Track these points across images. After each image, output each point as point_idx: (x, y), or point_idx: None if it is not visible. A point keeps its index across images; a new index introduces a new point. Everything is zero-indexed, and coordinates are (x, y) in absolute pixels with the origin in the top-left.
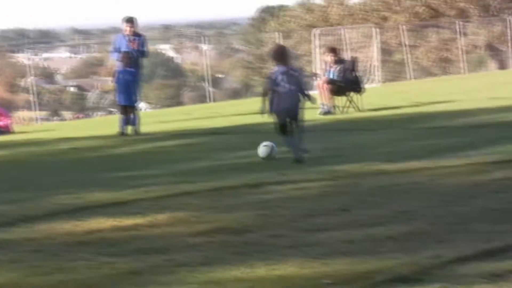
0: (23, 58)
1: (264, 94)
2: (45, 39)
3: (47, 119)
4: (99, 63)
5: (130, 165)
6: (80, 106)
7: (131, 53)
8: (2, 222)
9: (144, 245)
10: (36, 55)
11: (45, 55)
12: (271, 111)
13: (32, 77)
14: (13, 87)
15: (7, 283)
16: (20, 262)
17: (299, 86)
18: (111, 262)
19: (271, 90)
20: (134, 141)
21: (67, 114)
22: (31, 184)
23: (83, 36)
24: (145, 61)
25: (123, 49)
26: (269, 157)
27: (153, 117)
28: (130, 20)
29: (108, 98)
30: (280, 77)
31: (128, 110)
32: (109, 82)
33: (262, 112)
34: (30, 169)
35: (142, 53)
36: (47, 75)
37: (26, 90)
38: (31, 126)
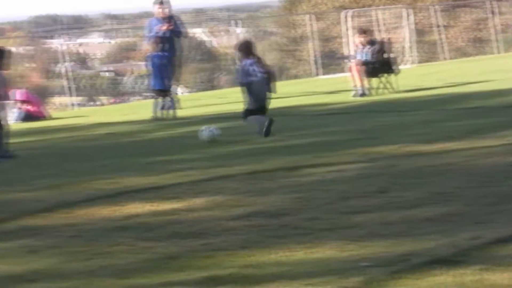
0: (57, 44)
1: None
2: (78, 24)
3: (83, 105)
4: (133, 47)
5: (166, 149)
6: (116, 91)
7: (162, 37)
8: (41, 208)
9: (181, 229)
10: (70, 40)
11: (79, 40)
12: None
13: (67, 63)
14: (48, 73)
15: (47, 268)
16: (59, 248)
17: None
18: (149, 246)
19: (245, 82)
20: (170, 126)
21: (103, 99)
22: (69, 169)
23: (116, 21)
24: (177, 45)
25: (153, 33)
26: (213, 139)
27: (188, 101)
28: (160, 2)
29: (143, 82)
30: (251, 68)
31: (162, 94)
32: (143, 67)
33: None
34: (67, 155)
35: (178, 33)
36: (82, 60)
37: (60, 75)
38: (67, 111)
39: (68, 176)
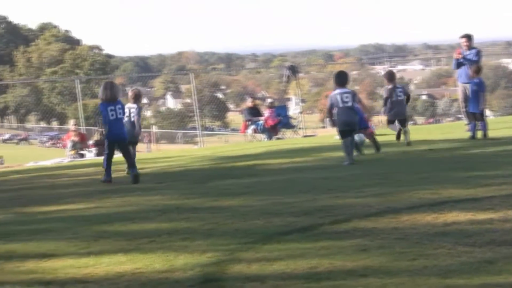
0: (381, 69)
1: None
2: (400, 53)
3: None
4: (447, 74)
5: (481, 165)
6: (431, 112)
7: (477, 66)
8: (371, 212)
9: (497, 237)
10: (392, 67)
11: (400, 67)
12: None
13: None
14: (372, 95)
15: (376, 265)
16: (386, 248)
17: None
18: (468, 251)
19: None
20: (483, 144)
21: (419, 119)
22: (394, 179)
23: (433, 51)
24: (489, 73)
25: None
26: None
27: (497, 124)
28: (465, 36)
29: (455, 105)
30: (339, 97)
31: (476, 116)
32: (456, 92)
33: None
34: (391, 167)
35: (471, 61)
36: (402, 84)
37: (382, 97)
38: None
39: (393, 185)
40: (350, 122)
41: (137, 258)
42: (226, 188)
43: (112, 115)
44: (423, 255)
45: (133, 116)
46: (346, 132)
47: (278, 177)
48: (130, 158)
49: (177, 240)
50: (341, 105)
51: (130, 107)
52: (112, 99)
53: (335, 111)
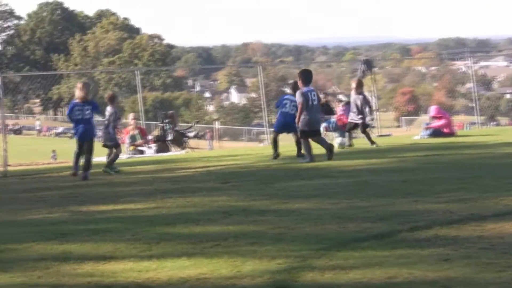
0: (462, 65)
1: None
2: (483, 48)
3: (483, 124)
4: None
5: None
6: None
7: None
8: (453, 219)
9: None
10: (475, 63)
11: (482, 63)
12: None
13: (471, 84)
14: (452, 93)
15: (461, 277)
16: (471, 258)
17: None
18: None
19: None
20: None
21: (502, 119)
22: (476, 184)
23: None
24: None
25: None
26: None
27: None
28: None
29: None
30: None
31: None
32: None
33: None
34: (474, 170)
35: None
36: (485, 82)
37: (464, 95)
38: (472, 130)
39: (477, 191)
40: (318, 120)
41: (202, 262)
42: (296, 190)
43: (79, 114)
44: (511, 266)
45: (106, 119)
46: (314, 132)
47: (352, 179)
48: (86, 160)
49: (244, 245)
50: (310, 103)
51: (107, 110)
52: (83, 98)
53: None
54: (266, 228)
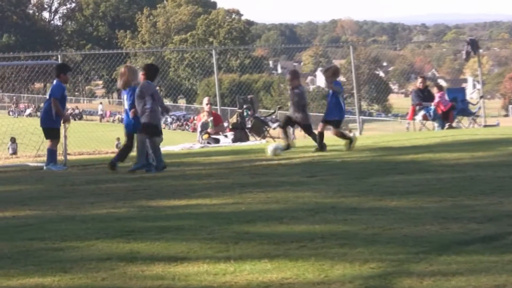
0: None
1: None
2: None
3: None
4: None
5: None
6: None
7: None
8: None
9: None
10: None
11: None
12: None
13: None
14: None
15: None
16: None
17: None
18: None
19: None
20: None
21: None
22: None
23: None
24: None
25: None
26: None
27: None
28: None
29: None
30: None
31: None
32: None
33: None
34: None
35: None
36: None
37: None
38: None
39: None
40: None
41: (285, 265)
42: (392, 186)
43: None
44: None
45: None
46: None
47: (455, 174)
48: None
49: (333, 246)
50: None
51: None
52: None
53: None
54: (357, 228)
